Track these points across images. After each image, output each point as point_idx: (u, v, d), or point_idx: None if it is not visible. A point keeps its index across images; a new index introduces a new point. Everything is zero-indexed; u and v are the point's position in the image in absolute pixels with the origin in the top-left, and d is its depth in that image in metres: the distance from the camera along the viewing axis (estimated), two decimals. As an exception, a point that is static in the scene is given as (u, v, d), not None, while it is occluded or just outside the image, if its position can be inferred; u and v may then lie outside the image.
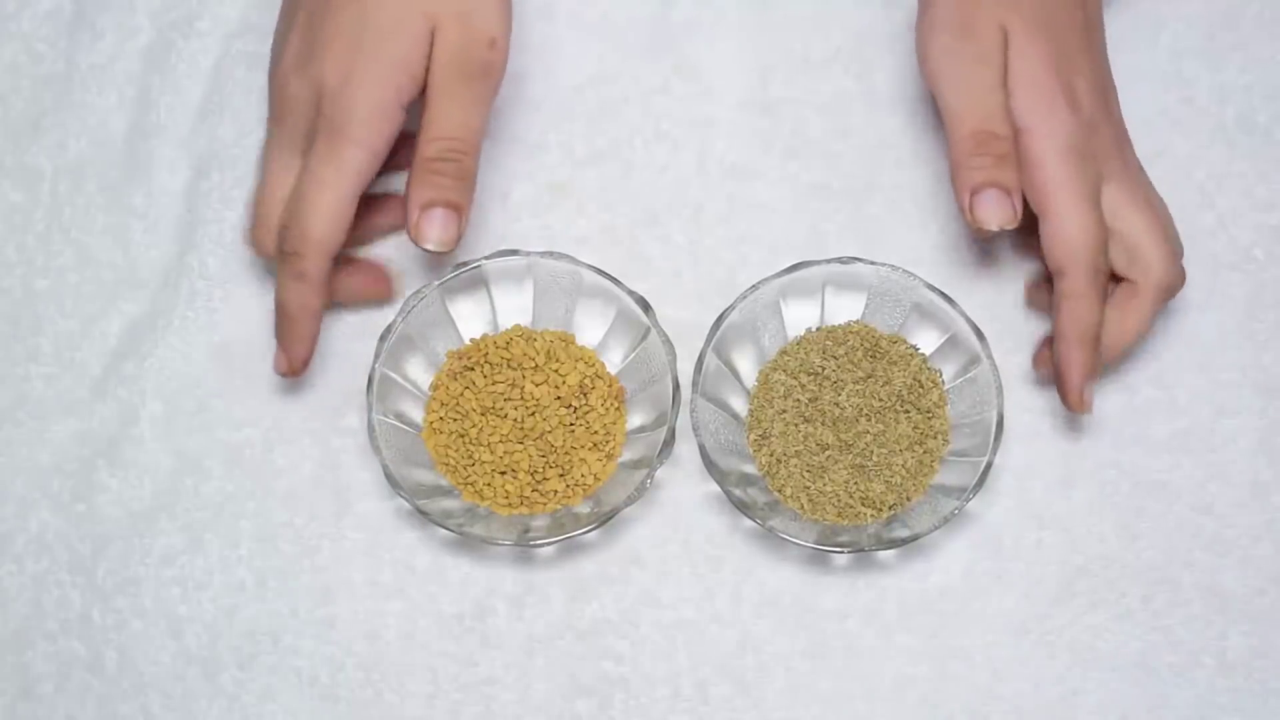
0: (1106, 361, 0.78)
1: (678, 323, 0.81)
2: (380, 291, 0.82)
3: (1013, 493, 0.80)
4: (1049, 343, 0.79)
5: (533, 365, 0.81)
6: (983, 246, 0.83)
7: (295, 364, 0.79)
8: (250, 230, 0.79)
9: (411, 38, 0.77)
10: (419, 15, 0.77)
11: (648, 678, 0.78)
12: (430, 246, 0.77)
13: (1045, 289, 0.80)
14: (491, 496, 0.79)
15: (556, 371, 0.81)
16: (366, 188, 0.78)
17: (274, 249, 0.78)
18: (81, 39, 0.87)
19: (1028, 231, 0.79)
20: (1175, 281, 0.78)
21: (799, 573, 0.79)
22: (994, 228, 0.76)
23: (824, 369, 0.80)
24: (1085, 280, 0.76)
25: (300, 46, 0.78)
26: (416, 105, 0.78)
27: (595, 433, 0.80)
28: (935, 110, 0.85)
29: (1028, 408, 0.81)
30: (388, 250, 0.83)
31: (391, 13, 0.77)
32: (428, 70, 0.77)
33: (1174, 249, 0.79)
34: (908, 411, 0.79)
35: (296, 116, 0.78)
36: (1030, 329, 0.82)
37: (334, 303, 0.81)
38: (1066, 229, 0.76)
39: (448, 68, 0.77)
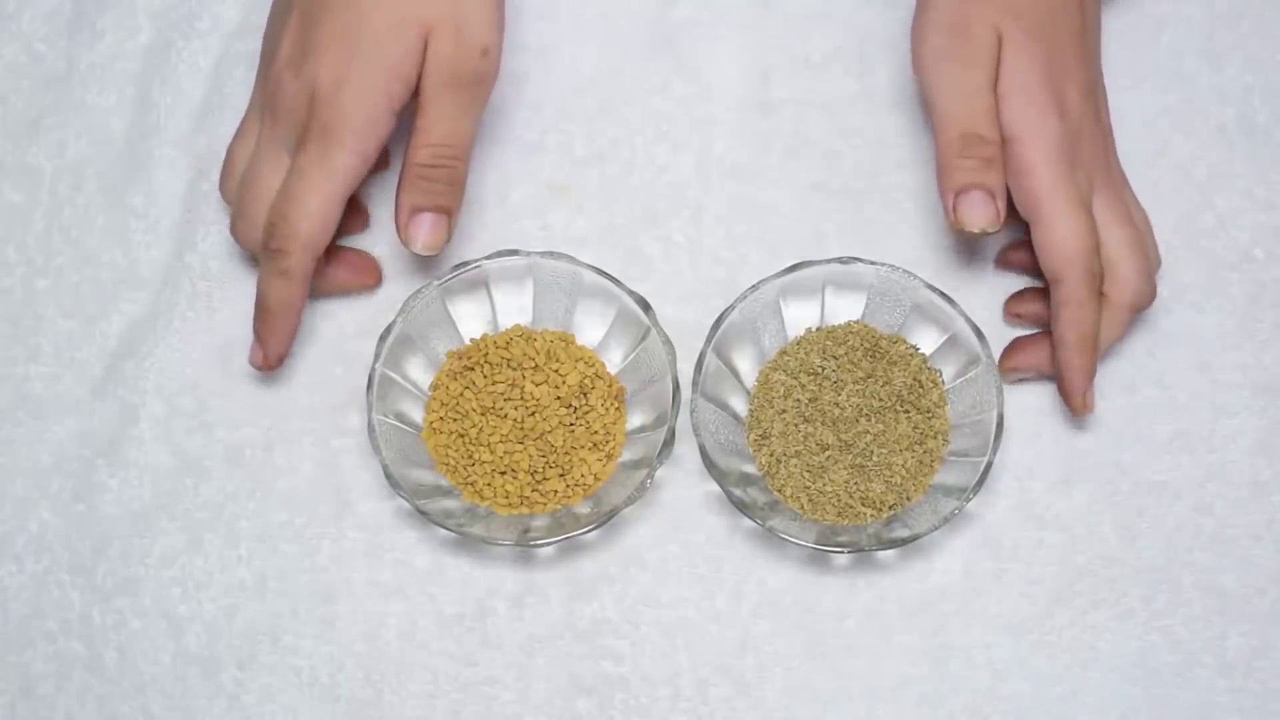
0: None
1: (678, 323, 0.81)
2: (365, 281, 0.82)
3: (1013, 493, 0.80)
4: (1023, 293, 0.81)
5: (533, 365, 0.81)
6: (981, 247, 0.83)
7: (271, 358, 0.80)
8: (234, 222, 0.80)
9: (405, 45, 0.77)
10: (413, 22, 0.77)
11: (648, 678, 0.78)
12: (418, 249, 0.78)
13: (1029, 297, 0.81)
14: (491, 496, 0.79)
15: (556, 371, 0.81)
16: (355, 190, 0.78)
17: (258, 244, 0.79)
18: (81, 39, 0.87)
19: (1011, 245, 0.81)
20: (1146, 300, 0.79)
21: (799, 573, 0.79)
22: (976, 229, 0.77)
23: (824, 369, 0.80)
24: (1083, 286, 0.77)
25: (294, 47, 0.78)
26: (408, 111, 0.78)
27: (595, 433, 0.80)
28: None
29: (1028, 408, 0.81)
30: (384, 250, 0.83)
31: (386, 19, 0.77)
32: (420, 77, 0.78)
33: (1149, 266, 0.79)
34: (908, 411, 0.79)
35: (289, 116, 0.78)
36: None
37: (319, 295, 0.82)
38: (1060, 235, 0.77)
39: (440, 76, 0.78)
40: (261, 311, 0.79)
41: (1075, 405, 0.78)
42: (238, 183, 0.80)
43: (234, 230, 0.80)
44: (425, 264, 0.83)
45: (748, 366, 0.81)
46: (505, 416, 0.80)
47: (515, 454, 0.79)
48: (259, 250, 0.79)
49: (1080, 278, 0.77)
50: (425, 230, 0.78)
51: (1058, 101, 0.77)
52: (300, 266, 0.78)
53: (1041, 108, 0.77)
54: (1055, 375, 0.79)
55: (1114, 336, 0.79)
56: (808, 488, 0.79)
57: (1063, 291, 0.77)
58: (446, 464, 0.79)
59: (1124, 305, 0.79)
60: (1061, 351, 0.78)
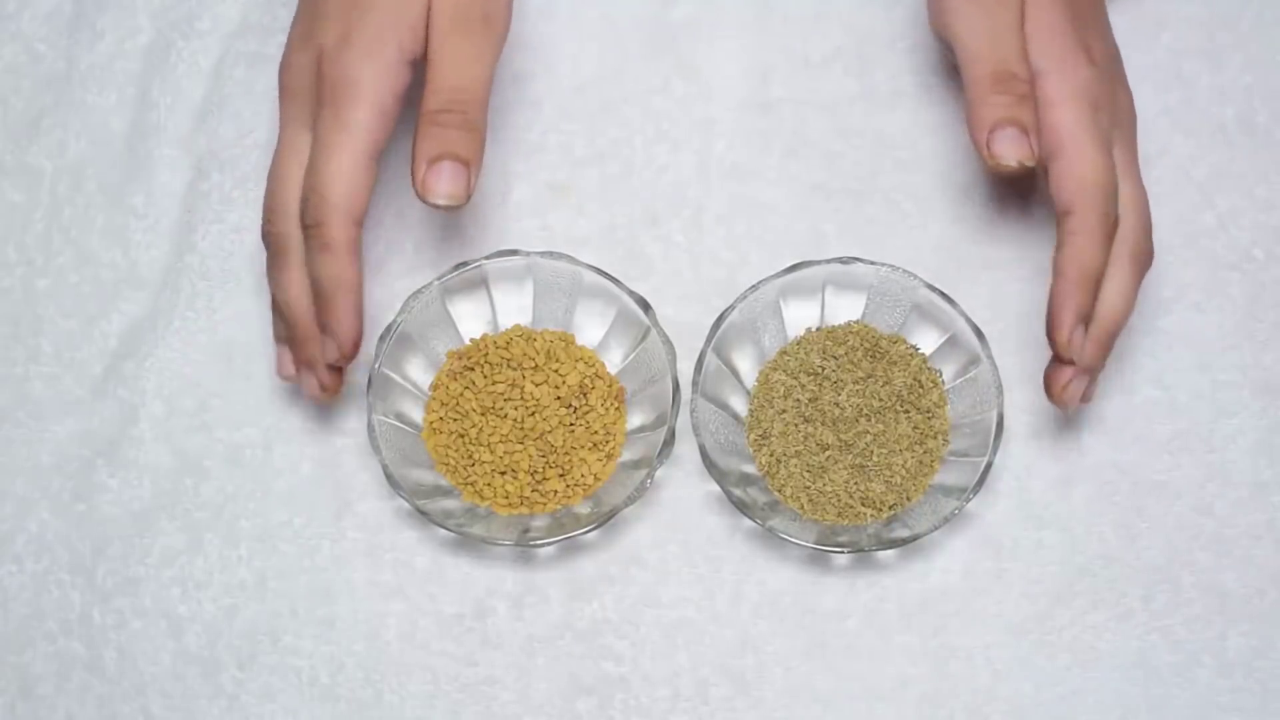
0: (1100, 342, 0.77)
1: (678, 323, 0.81)
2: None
3: (1013, 493, 0.80)
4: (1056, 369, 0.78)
5: (533, 365, 0.81)
6: (981, 247, 0.83)
7: (345, 345, 0.75)
8: (264, 221, 0.77)
9: None
10: None
11: (648, 678, 0.78)
12: (440, 201, 0.74)
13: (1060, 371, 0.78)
14: (491, 496, 0.79)
15: (556, 371, 0.81)
16: (382, 147, 0.75)
17: (292, 234, 0.76)
18: (81, 39, 0.87)
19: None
20: (1145, 256, 0.77)
21: (799, 573, 0.79)
22: (1013, 163, 0.75)
23: (824, 369, 0.80)
24: (1094, 218, 0.75)
25: (303, 22, 0.77)
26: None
27: (595, 433, 0.80)
28: (934, 110, 0.85)
29: (1028, 408, 0.81)
30: (383, 249, 0.83)
31: None
32: (428, 24, 0.76)
33: (1150, 225, 0.78)
34: (908, 411, 0.79)
35: (301, 90, 0.76)
36: (1031, 329, 0.82)
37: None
38: (1079, 166, 0.75)
39: (446, 18, 0.75)
40: (318, 298, 0.75)
41: (1060, 343, 0.75)
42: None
43: (268, 229, 0.76)
44: (425, 263, 0.83)
45: (748, 366, 0.81)
46: (505, 416, 0.80)
47: (515, 454, 0.79)
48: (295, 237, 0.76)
49: (1092, 209, 0.75)
50: (444, 180, 0.74)
51: (1085, 48, 0.77)
52: (341, 235, 0.74)
53: (1069, 47, 0.77)
54: (1047, 317, 0.76)
55: (1123, 298, 0.76)
56: (808, 488, 0.79)
57: (1072, 222, 0.75)
58: (446, 464, 0.79)
59: (1123, 254, 0.76)
60: (1058, 283, 0.75)
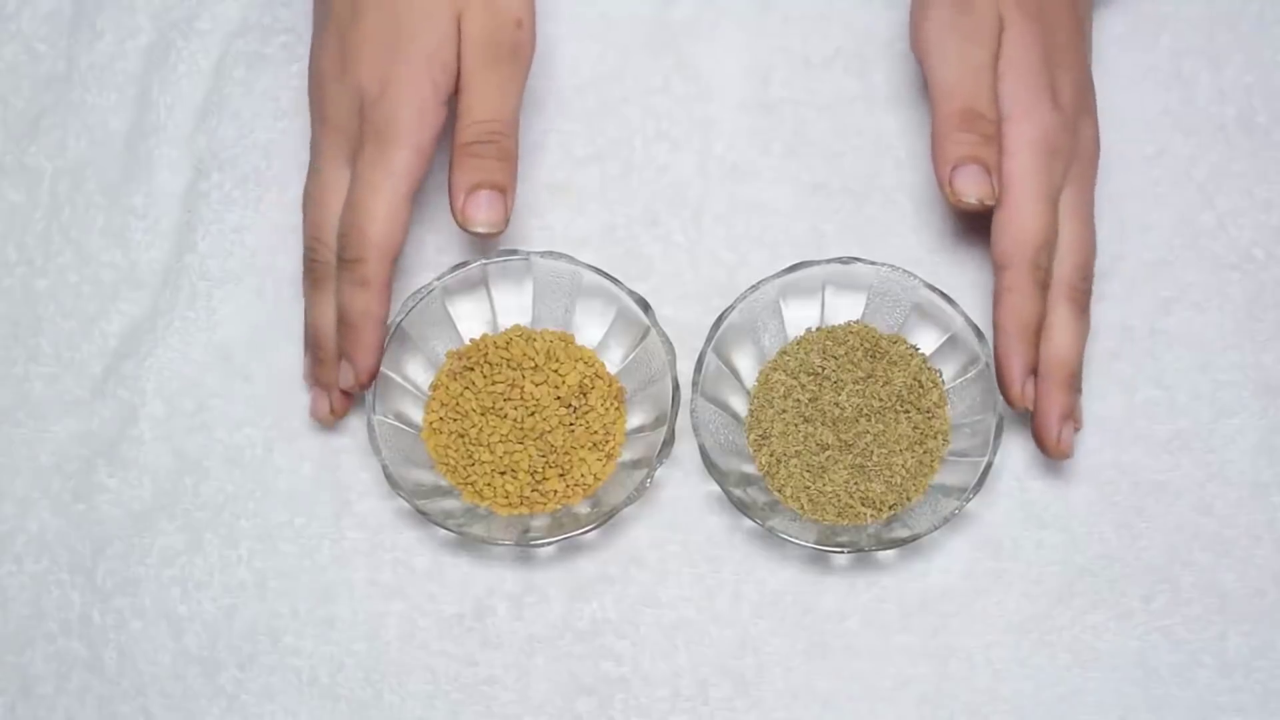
0: (1060, 384, 0.78)
1: (678, 323, 0.81)
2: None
3: (1013, 493, 0.80)
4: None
5: (532, 365, 0.81)
6: (981, 247, 0.83)
7: (361, 375, 0.78)
8: (309, 249, 0.79)
9: (439, 32, 0.77)
10: (444, 6, 0.77)
11: (648, 678, 0.78)
12: (480, 229, 0.77)
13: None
14: (491, 496, 0.79)
15: (556, 371, 0.81)
16: (419, 186, 0.78)
17: (333, 263, 0.78)
18: (81, 39, 0.87)
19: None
20: (1078, 293, 0.78)
21: (799, 573, 0.79)
22: (973, 200, 0.77)
23: (824, 369, 0.80)
24: (1025, 273, 0.77)
25: (336, 53, 0.79)
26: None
27: (595, 433, 0.80)
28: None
29: (1028, 408, 0.80)
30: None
31: (419, 9, 0.77)
32: (459, 59, 0.78)
33: (1090, 263, 0.79)
34: (908, 411, 0.79)
35: (341, 126, 0.78)
36: (1030, 329, 0.82)
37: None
38: (1019, 222, 0.77)
39: (477, 52, 0.78)
40: (344, 327, 0.78)
41: (1013, 397, 0.77)
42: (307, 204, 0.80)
43: (312, 257, 0.79)
44: (425, 263, 0.83)
45: (748, 366, 0.81)
46: (505, 416, 0.80)
47: (515, 454, 0.79)
48: (332, 266, 0.78)
49: (1025, 266, 0.77)
50: (483, 208, 0.77)
51: (1052, 89, 0.78)
52: (378, 273, 0.77)
53: (1036, 92, 0.78)
54: (996, 372, 0.78)
55: (1069, 338, 0.78)
56: (808, 488, 0.79)
57: (1006, 278, 0.77)
58: (446, 464, 0.79)
59: (1060, 298, 0.78)
60: (999, 339, 0.78)
